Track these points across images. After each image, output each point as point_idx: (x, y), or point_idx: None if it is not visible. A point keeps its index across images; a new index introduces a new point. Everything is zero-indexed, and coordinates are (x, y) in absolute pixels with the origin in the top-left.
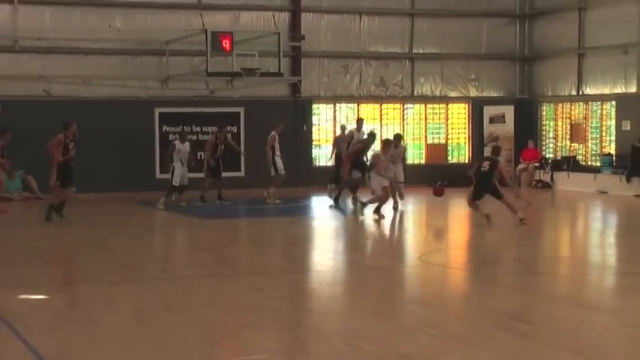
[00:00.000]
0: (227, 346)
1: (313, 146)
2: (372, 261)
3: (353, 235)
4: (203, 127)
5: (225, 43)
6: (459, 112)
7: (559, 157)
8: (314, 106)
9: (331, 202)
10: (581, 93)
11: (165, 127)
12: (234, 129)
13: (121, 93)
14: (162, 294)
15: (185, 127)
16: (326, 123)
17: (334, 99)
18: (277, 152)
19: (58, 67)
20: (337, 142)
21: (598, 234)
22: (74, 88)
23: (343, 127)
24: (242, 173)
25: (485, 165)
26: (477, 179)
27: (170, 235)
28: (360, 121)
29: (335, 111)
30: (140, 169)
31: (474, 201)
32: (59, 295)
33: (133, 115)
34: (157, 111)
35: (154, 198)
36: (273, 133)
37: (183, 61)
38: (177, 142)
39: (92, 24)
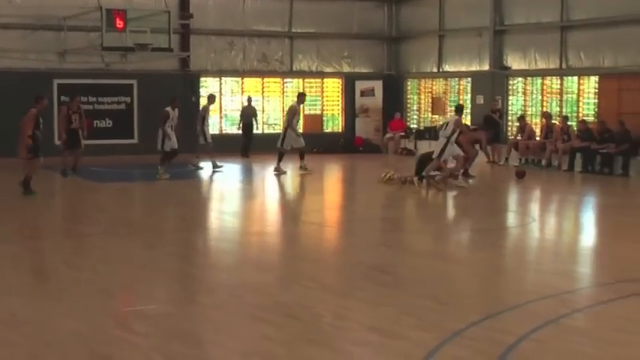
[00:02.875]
0: (121, 298)
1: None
2: (255, 221)
3: (241, 197)
4: (99, 98)
5: (119, 20)
6: (333, 86)
7: (422, 128)
8: (202, 79)
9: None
10: (441, 70)
11: (63, 98)
12: (128, 100)
13: (20, 65)
14: (61, 251)
15: (82, 98)
16: None
17: (220, 73)
18: (207, 122)
19: None
20: (244, 113)
21: (455, 196)
22: None
23: (249, 99)
24: (135, 140)
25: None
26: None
27: (69, 198)
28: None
29: (221, 84)
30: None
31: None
32: None
33: (32, 85)
34: (56, 82)
35: (53, 163)
36: (167, 109)
37: (80, 36)
38: (169, 109)
39: None
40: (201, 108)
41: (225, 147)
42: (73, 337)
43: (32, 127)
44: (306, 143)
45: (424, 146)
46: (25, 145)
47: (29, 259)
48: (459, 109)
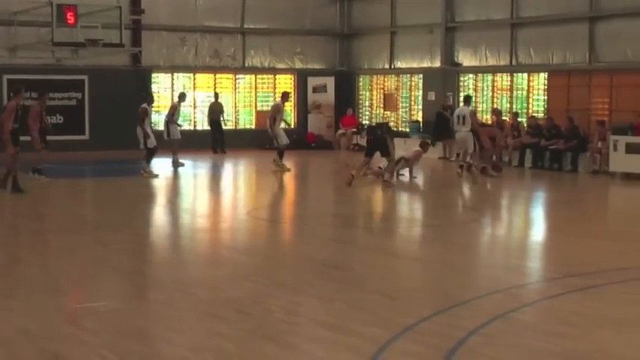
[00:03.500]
0: (71, 295)
1: (152, 112)
2: (207, 217)
3: (191, 193)
4: (50, 94)
5: (70, 15)
6: (286, 82)
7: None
8: (153, 75)
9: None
10: (393, 67)
11: (12, 94)
12: (79, 95)
13: None
14: (12, 247)
15: (32, 94)
16: (164, 91)
17: (172, 69)
18: (175, 119)
19: None
20: (212, 110)
21: (406, 192)
22: None
23: (217, 95)
24: (86, 136)
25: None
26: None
27: (19, 194)
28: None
29: (173, 80)
30: None
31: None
32: None
33: None
34: (5, 77)
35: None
36: (144, 106)
37: (30, 31)
38: (145, 105)
39: None
40: (171, 105)
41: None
42: (22, 335)
43: (12, 121)
44: (258, 139)
45: None
46: (8, 140)
47: None
48: (468, 100)
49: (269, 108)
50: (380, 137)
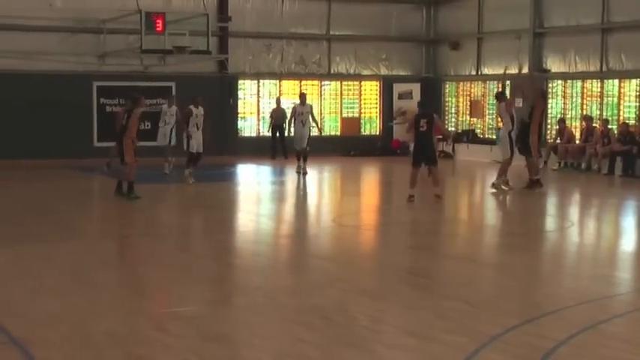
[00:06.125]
0: (157, 299)
1: (239, 118)
2: (291, 224)
3: (275, 200)
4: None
5: (158, 23)
6: (371, 89)
7: (460, 131)
8: (239, 81)
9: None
10: (479, 73)
11: (102, 100)
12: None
13: (60, 67)
14: (98, 252)
15: (120, 100)
16: (250, 98)
17: (258, 75)
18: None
19: (2, 42)
20: (274, 115)
21: (491, 199)
22: (16, 62)
23: (279, 101)
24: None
25: (423, 124)
26: (416, 143)
27: (106, 199)
28: (303, 96)
29: (259, 86)
30: (79, 138)
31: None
32: (1, 252)
33: (72, 88)
34: (95, 84)
35: (92, 165)
36: (190, 107)
37: (119, 39)
38: (192, 107)
39: (33, 2)
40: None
41: (261, 149)
42: (109, 338)
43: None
44: (343, 146)
45: (462, 150)
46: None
47: (66, 259)
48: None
49: (354, 115)
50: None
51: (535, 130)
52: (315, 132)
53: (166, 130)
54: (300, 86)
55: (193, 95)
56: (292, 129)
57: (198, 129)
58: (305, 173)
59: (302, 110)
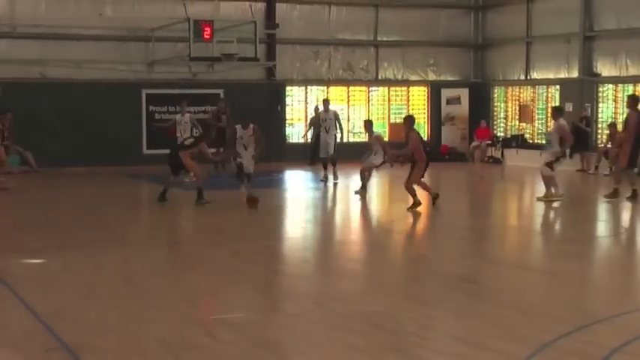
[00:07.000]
0: (207, 306)
1: (287, 125)
2: (338, 229)
3: (324, 206)
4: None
5: (207, 31)
6: (419, 94)
7: (509, 136)
8: (287, 88)
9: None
10: (528, 77)
11: (151, 107)
12: (215, 109)
13: (110, 75)
14: (148, 258)
15: (169, 108)
16: (298, 104)
17: (305, 82)
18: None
19: (53, 51)
20: (312, 122)
21: (542, 205)
22: (68, 71)
23: (317, 108)
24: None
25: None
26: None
27: (155, 205)
28: (326, 102)
29: (306, 93)
30: (128, 145)
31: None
32: (53, 259)
33: (121, 96)
34: (144, 92)
35: (141, 172)
36: (237, 127)
37: (167, 47)
38: (238, 127)
39: (84, 12)
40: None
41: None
42: (159, 344)
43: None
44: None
45: (511, 155)
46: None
47: (117, 265)
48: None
49: (402, 121)
50: None
51: (626, 139)
52: (339, 139)
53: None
54: (348, 92)
55: (242, 114)
56: (309, 136)
57: (246, 149)
58: (336, 181)
59: (325, 117)
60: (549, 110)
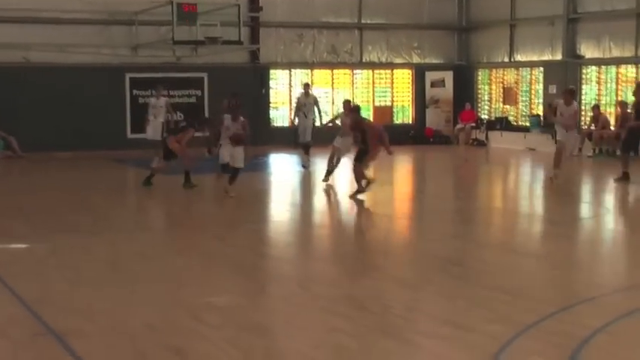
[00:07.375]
0: (193, 290)
1: (271, 108)
2: (323, 213)
3: (307, 189)
4: (170, 92)
5: (190, 12)
6: (403, 77)
7: (493, 118)
8: (271, 71)
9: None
10: (512, 60)
11: (135, 91)
12: (199, 92)
13: (94, 59)
14: (135, 242)
15: (153, 92)
16: (282, 87)
17: (290, 65)
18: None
19: (37, 36)
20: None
21: (527, 187)
22: (51, 55)
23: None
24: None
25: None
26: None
27: (141, 190)
28: (306, 86)
29: (290, 76)
30: (113, 129)
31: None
32: (40, 244)
33: (105, 80)
34: (128, 76)
35: (126, 156)
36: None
37: (151, 31)
38: (227, 117)
39: None
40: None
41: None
42: (146, 329)
43: None
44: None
45: (496, 137)
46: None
47: (104, 250)
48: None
49: (387, 104)
50: None
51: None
52: (317, 123)
53: (157, 124)
54: (332, 75)
55: (233, 93)
56: (296, 121)
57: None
58: (307, 167)
59: (305, 102)
60: (532, 93)
